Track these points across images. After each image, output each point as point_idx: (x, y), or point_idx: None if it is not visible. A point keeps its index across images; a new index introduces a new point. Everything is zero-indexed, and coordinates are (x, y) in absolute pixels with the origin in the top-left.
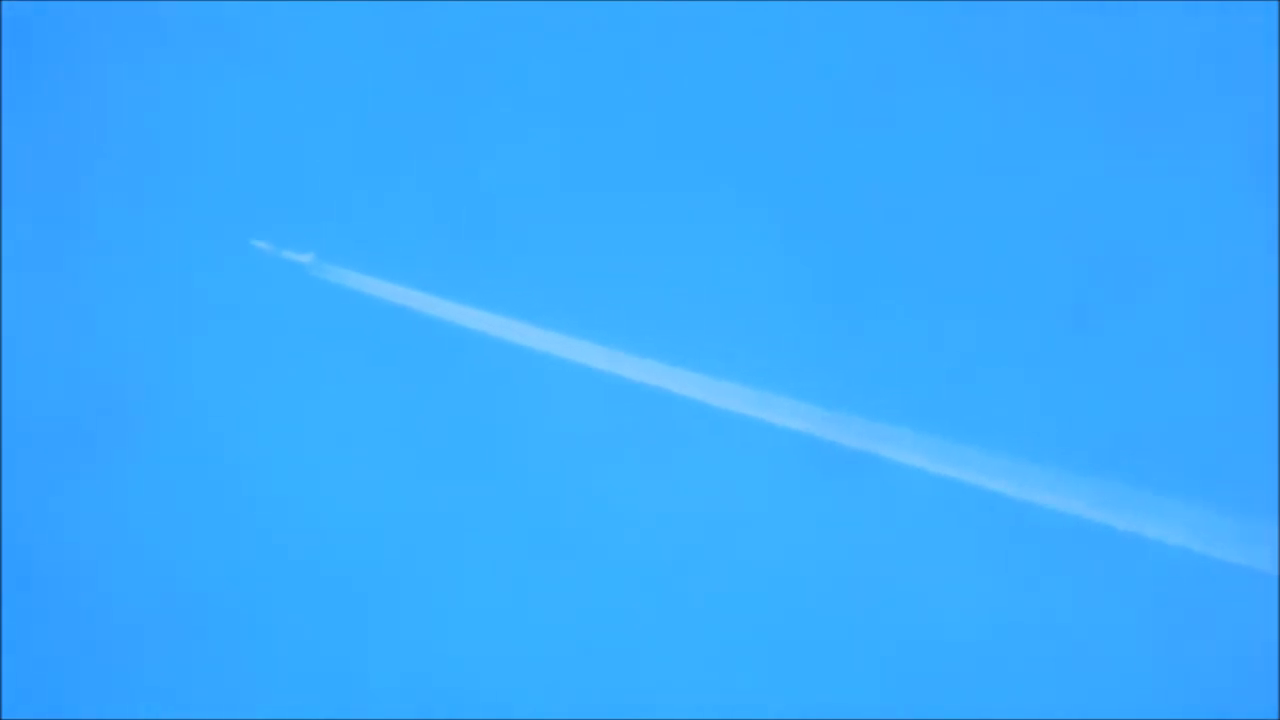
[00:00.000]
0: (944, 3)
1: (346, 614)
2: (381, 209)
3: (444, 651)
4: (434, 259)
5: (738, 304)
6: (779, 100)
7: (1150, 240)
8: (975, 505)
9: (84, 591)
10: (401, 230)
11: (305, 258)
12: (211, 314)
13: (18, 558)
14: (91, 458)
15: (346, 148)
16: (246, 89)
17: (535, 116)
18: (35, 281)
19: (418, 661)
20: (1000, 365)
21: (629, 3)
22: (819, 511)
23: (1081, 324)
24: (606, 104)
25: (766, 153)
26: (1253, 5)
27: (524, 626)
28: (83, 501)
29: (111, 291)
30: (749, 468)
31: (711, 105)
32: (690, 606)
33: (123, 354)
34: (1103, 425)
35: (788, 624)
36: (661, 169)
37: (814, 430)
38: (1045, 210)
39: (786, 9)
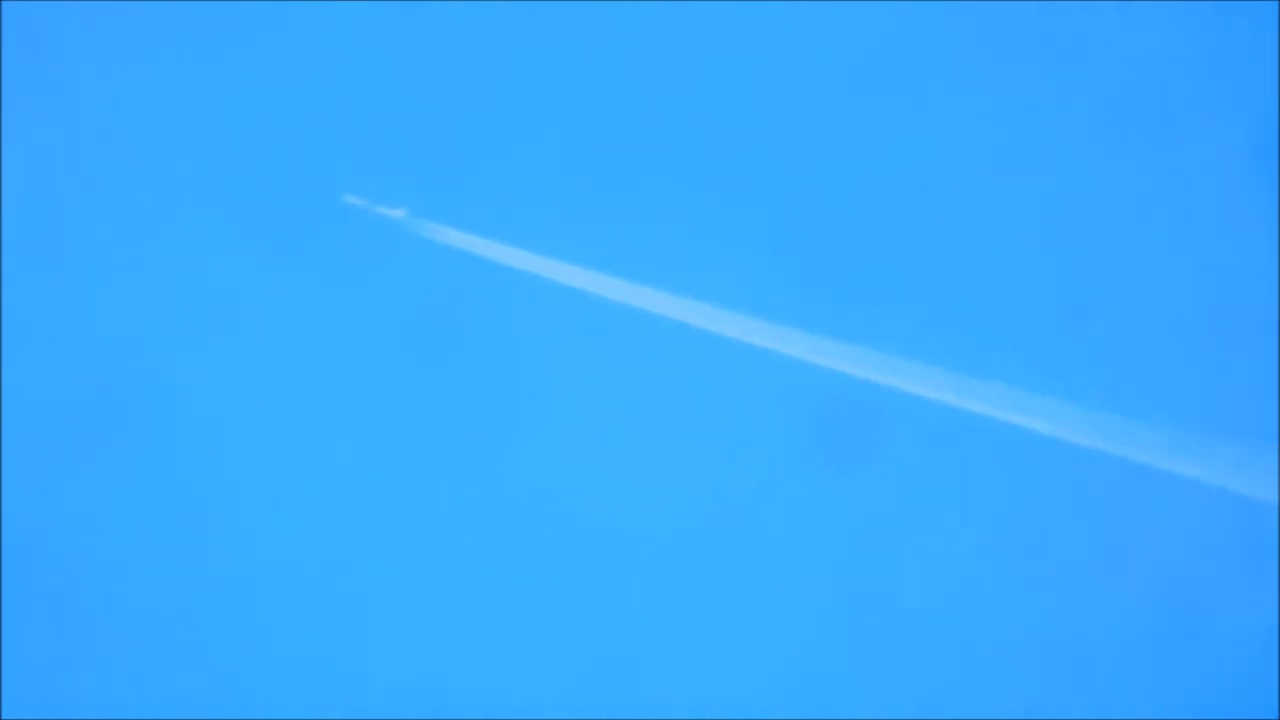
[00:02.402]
0: (944, 1)
1: (350, 614)
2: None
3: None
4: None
5: (742, 235)
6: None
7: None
8: (982, 435)
9: (84, 587)
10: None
11: (398, 212)
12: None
13: (18, 550)
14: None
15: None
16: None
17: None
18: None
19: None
20: (1005, 300)
21: None
22: (818, 443)
23: (1083, 316)
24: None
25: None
26: (1253, 5)
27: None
28: (91, 486)
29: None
30: (749, 399)
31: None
32: (685, 537)
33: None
34: (1107, 359)
35: (785, 554)
36: (685, 105)
37: (816, 359)
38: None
39: None
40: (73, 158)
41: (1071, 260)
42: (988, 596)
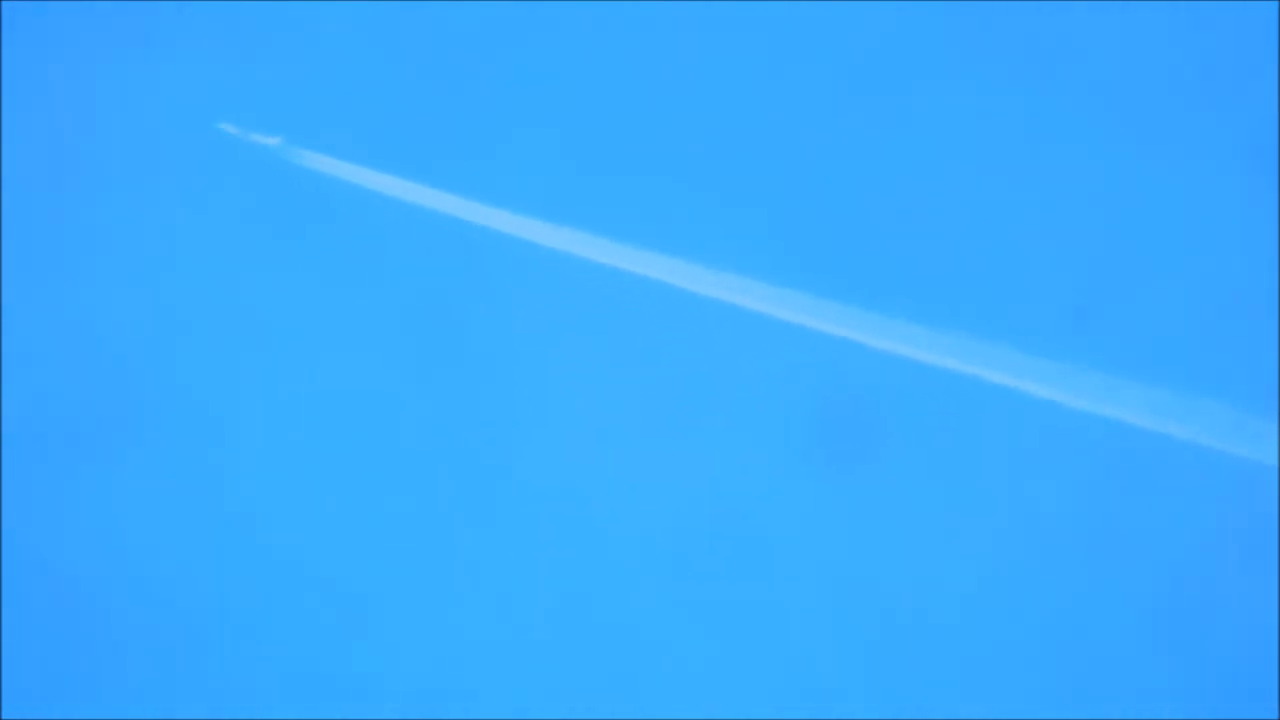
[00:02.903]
0: (944, 1)
1: (350, 610)
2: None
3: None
4: (414, 144)
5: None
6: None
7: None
8: (983, 398)
9: (84, 587)
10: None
11: (273, 140)
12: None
13: (18, 550)
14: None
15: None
16: None
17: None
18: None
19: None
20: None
21: None
22: (814, 406)
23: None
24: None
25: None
26: (1253, 5)
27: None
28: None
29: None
30: (746, 360)
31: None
32: (686, 518)
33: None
34: (1112, 317)
35: (791, 535)
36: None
37: (812, 322)
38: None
39: None
40: None
41: (1067, 269)
42: (991, 579)
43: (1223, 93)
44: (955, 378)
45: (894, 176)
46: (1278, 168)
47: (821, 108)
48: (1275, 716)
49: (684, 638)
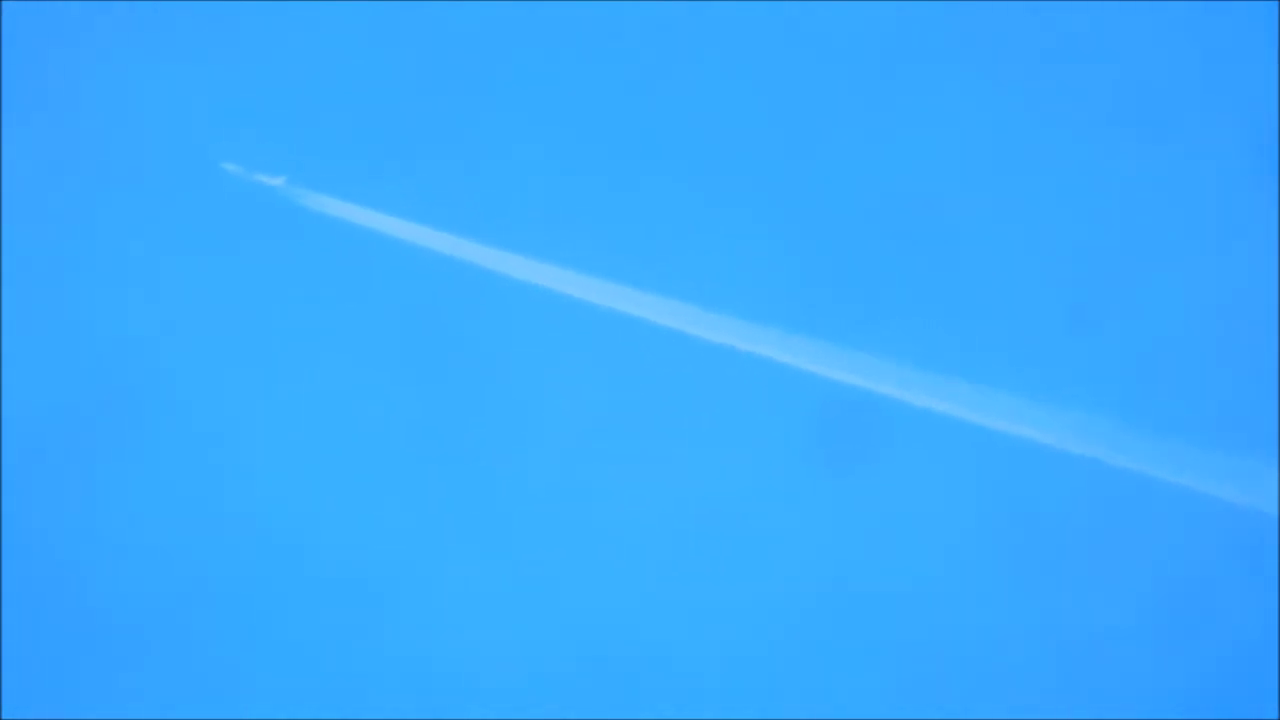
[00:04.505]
0: (944, 2)
1: (348, 607)
2: (361, 132)
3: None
4: (416, 184)
5: (738, 248)
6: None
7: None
8: (980, 444)
9: (84, 587)
10: (381, 154)
11: (277, 181)
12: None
13: (18, 550)
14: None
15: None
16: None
17: (522, 46)
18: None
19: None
20: (1003, 310)
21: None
22: (816, 453)
23: (1083, 316)
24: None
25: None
26: (1253, 5)
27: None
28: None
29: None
30: (746, 407)
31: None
32: (681, 547)
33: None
34: (1109, 368)
35: (798, 575)
36: (660, 93)
37: (813, 368)
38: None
39: None
40: None
41: (1070, 266)
42: (983, 605)
43: (1223, 93)
44: (950, 420)
45: (890, 233)
46: (1278, 168)
47: (823, 163)
48: (1275, 717)
49: (683, 644)
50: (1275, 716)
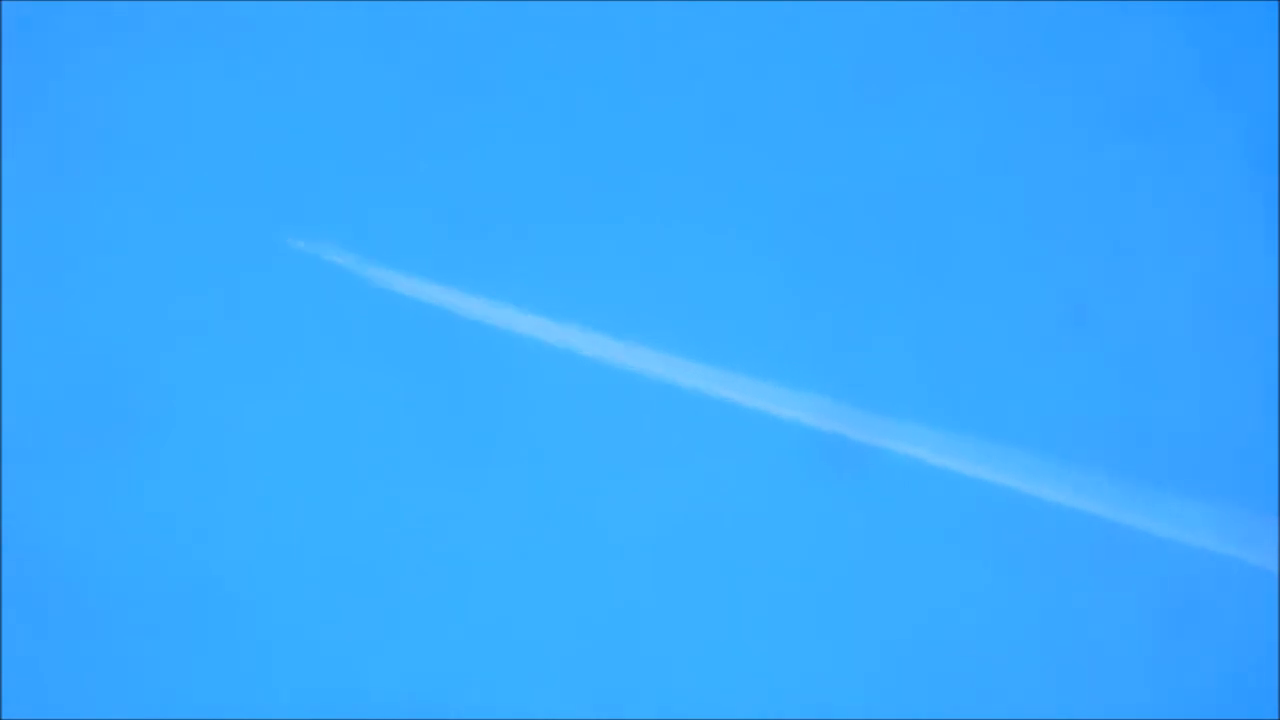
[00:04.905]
0: (943, 2)
1: (354, 616)
2: (414, 205)
3: (441, 641)
4: (470, 256)
5: (743, 295)
6: (779, 95)
7: (1150, 232)
8: (980, 499)
9: (84, 588)
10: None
11: (345, 258)
12: (239, 313)
13: (18, 550)
14: (109, 456)
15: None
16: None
17: (551, 110)
18: (38, 282)
19: (419, 656)
20: (1003, 359)
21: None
22: (824, 505)
23: (1082, 320)
24: (623, 97)
25: (768, 144)
26: (1253, 5)
27: (523, 619)
28: (88, 496)
29: (125, 287)
30: (753, 461)
31: (715, 95)
32: (690, 600)
33: (138, 353)
34: (1107, 421)
35: (790, 619)
36: (678, 160)
37: (818, 423)
38: (1045, 203)
39: (784, 7)
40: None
41: (1066, 273)
42: (981, 610)
43: (1223, 93)
44: (955, 478)
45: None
46: (1278, 169)
47: (818, 204)
48: (1275, 717)
49: (681, 650)
50: (1275, 717)
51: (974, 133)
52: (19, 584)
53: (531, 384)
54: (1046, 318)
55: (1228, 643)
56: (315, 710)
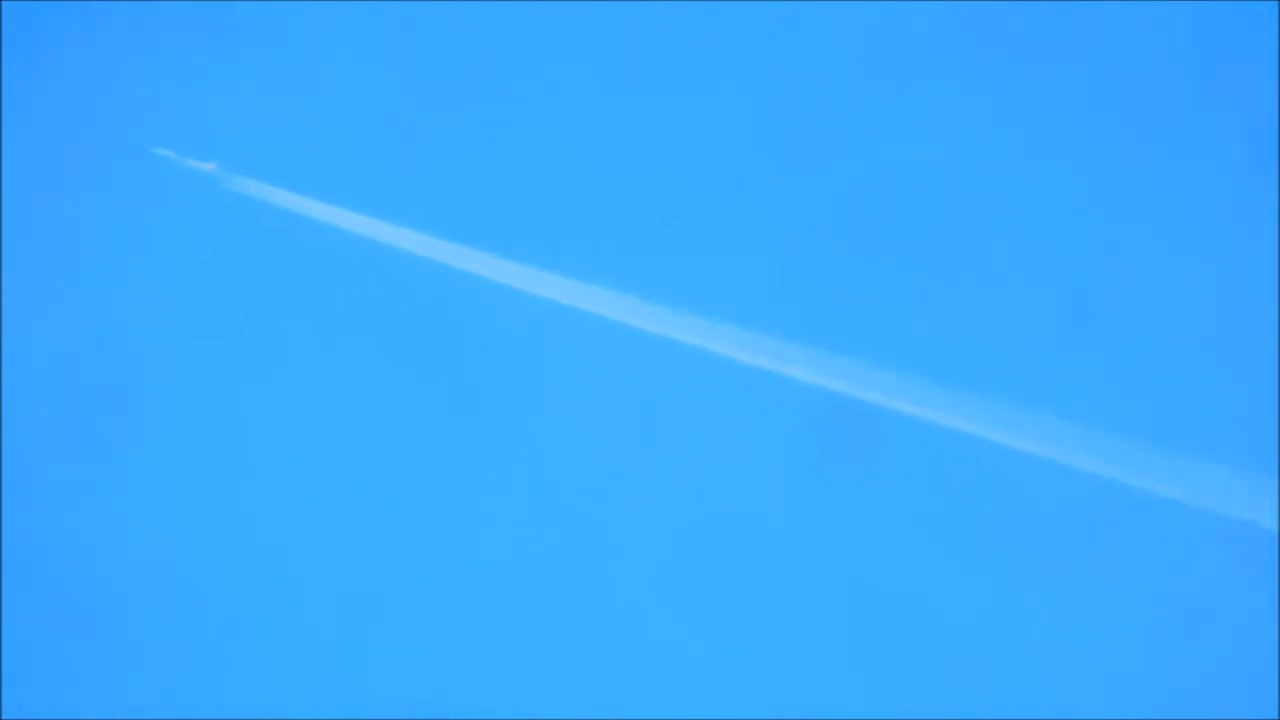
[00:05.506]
0: (943, 2)
1: (348, 607)
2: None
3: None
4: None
5: (742, 257)
6: (797, 87)
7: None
8: (985, 460)
9: (84, 588)
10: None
11: (209, 166)
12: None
13: (18, 550)
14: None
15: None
16: None
17: (520, 52)
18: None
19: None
20: (1012, 330)
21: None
22: (822, 468)
23: (1083, 318)
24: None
25: (768, 148)
26: (1253, 5)
27: (513, 587)
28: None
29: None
30: (752, 420)
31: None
32: (690, 563)
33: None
34: (1112, 387)
35: (792, 583)
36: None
37: (822, 382)
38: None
39: None
40: None
41: (1066, 272)
42: (978, 611)
43: (1223, 93)
44: (946, 431)
45: (885, 238)
46: (1278, 169)
47: (816, 169)
48: (1275, 717)
49: (680, 647)
50: (1275, 717)
51: (982, 119)
52: (19, 584)
53: (521, 341)
54: (1056, 294)
55: (1231, 612)
56: (317, 695)
